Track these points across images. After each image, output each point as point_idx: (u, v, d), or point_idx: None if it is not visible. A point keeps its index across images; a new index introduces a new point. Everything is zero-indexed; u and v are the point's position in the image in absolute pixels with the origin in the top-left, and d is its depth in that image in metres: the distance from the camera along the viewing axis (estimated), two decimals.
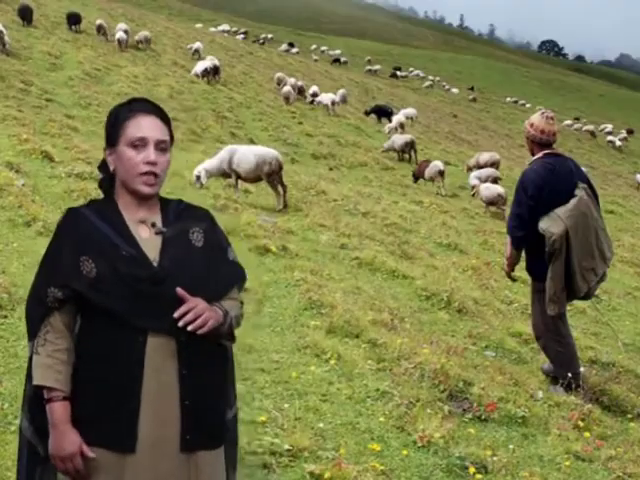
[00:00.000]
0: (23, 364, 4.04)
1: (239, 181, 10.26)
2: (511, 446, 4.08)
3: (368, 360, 4.88)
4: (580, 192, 4.90)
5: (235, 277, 2.19)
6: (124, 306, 1.97)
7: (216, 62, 25.28)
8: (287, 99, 24.82)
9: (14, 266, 5.46)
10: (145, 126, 2.06)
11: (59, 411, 1.99)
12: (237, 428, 2.30)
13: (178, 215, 2.14)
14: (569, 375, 4.90)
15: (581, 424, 4.48)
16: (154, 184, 2.07)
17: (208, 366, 2.09)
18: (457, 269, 8.43)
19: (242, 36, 56.91)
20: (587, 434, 4.37)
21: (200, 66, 24.30)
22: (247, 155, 9.97)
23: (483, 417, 4.36)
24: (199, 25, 52.94)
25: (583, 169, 5.32)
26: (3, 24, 19.25)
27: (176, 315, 1.96)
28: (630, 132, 53.91)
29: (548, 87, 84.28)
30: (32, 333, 2.06)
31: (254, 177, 10.08)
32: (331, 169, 16.63)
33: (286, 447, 3.55)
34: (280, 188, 10.02)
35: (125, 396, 1.98)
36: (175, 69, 25.09)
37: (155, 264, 2.03)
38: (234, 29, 61.69)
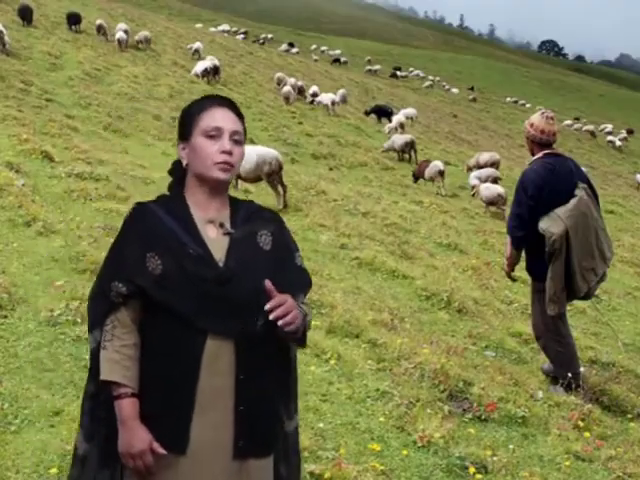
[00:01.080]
0: (23, 364, 4.05)
1: (239, 181, 10.27)
2: (511, 446, 4.08)
3: (368, 360, 4.89)
4: (580, 192, 4.90)
5: (302, 284, 2.15)
6: (187, 305, 1.95)
7: (216, 62, 25.26)
8: (287, 99, 24.81)
9: (14, 266, 5.46)
10: (219, 117, 2.06)
11: (127, 408, 1.96)
12: (299, 441, 2.27)
13: (248, 217, 2.11)
14: (569, 375, 4.90)
15: (581, 424, 4.48)
16: (229, 171, 2.05)
17: (266, 373, 2.04)
18: (457, 269, 8.43)
19: (242, 36, 56.89)
20: (587, 434, 4.37)
21: (200, 66, 24.28)
22: (247, 155, 9.96)
23: (483, 417, 4.36)
24: (199, 25, 52.91)
25: (583, 169, 5.32)
26: (3, 24, 19.21)
27: (268, 307, 1.92)
28: (630, 132, 53.91)
29: (548, 87, 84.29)
30: (92, 325, 2.06)
31: (254, 177, 10.09)
32: (331, 169, 16.62)
33: None
34: (280, 188, 10.02)
35: (180, 397, 1.96)
36: (175, 69, 25.09)
37: (221, 264, 2.00)
38: (234, 29, 61.68)
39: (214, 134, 2.04)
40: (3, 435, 3.40)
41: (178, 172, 2.14)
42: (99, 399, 2.06)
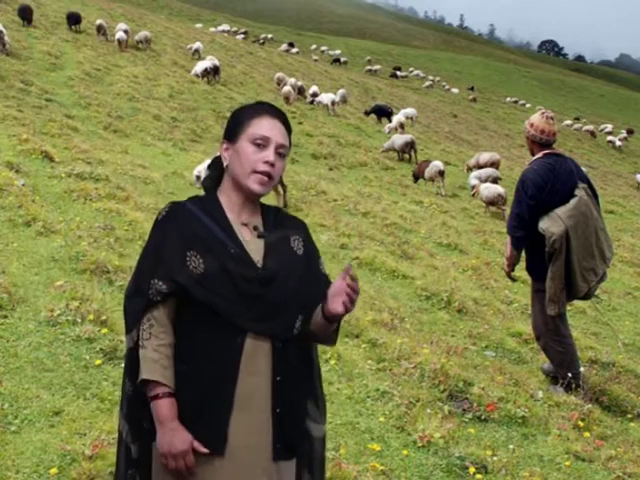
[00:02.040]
0: (23, 364, 4.05)
1: None
2: (511, 446, 4.08)
3: (368, 360, 4.89)
4: (580, 192, 4.91)
5: (326, 289, 2.14)
6: (228, 305, 1.95)
7: (216, 62, 25.24)
8: (287, 99, 24.80)
9: (14, 266, 5.46)
10: (269, 127, 2.06)
11: (166, 408, 1.95)
12: (325, 449, 2.27)
13: (278, 222, 2.14)
14: (569, 375, 4.90)
15: (581, 424, 4.48)
16: (266, 184, 2.05)
17: (300, 375, 2.08)
18: (457, 269, 8.44)
19: (242, 36, 56.82)
20: (587, 434, 4.37)
21: (200, 66, 24.27)
22: None
23: (483, 417, 4.36)
24: (199, 25, 52.88)
25: (583, 169, 5.32)
26: (3, 24, 19.20)
27: (351, 282, 1.96)
28: (630, 132, 53.83)
29: (548, 87, 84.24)
30: (129, 325, 2.04)
31: None
32: (331, 169, 16.61)
33: None
34: (280, 188, 10.02)
35: (218, 397, 1.95)
36: (175, 69, 25.07)
37: (259, 266, 2.01)
38: (234, 29, 61.58)
39: (260, 143, 2.04)
40: (3, 435, 3.40)
41: (216, 169, 2.15)
42: (135, 399, 2.05)
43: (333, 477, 3.33)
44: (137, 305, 2.01)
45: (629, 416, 4.90)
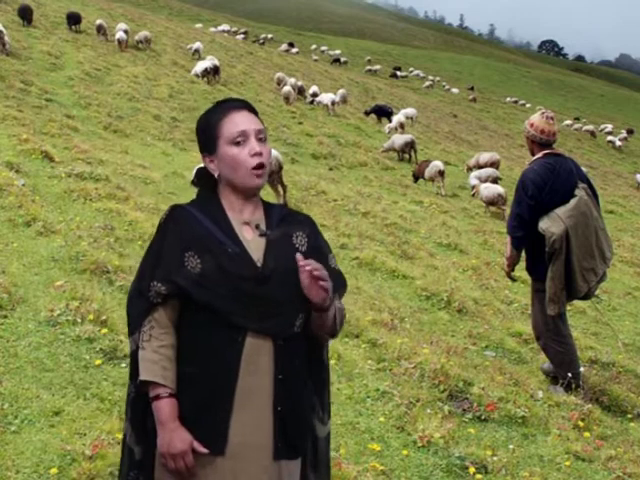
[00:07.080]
0: (23, 364, 4.05)
1: None
2: (511, 446, 4.08)
3: (368, 360, 4.89)
4: (580, 192, 4.91)
5: (337, 284, 2.12)
6: (226, 304, 1.96)
7: (216, 62, 25.22)
8: (287, 99, 24.79)
9: (14, 266, 5.45)
10: (240, 120, 2.05)
11: (167, 408, 1.96)
12: (330, 450, 2.26)
13: (281, 219, 2.13)
14: (569, 375, 4.90)
15: (581, 424, 4.48)
16: (263, 174, 2.05)
17: (301, 373, 2.08)
18: (457, 269, 8.44)
19: (242, 36, 56.78)
20: (587, 434, 4.37)
21: (200, 66, 24.26)
22: None
23: (483, 417, 4.36)
24: (199, 25, 52.83)
25: (583, 169, 5.32)
26: (3, 24, 19.20)
27: (302, 263, 1.96)
28: (630, 132, 53.79)
29: (548, 87, 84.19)
30: (132, 328, 2.05)
31: None
32: (331, 169, 16.60)
33: None
34: (280, 188, 10.03)
35: (219, 397, 1.96)
36: (175, 69, 25.06)
37: (259, 264, 2.01)
38: (234, 29, 61.53)
39: (240, 140, 2.03)
40: (3, 435, 3.40)
41: (206, 180, 2.13)
42: (138, 401, 2.06)
43: (333, 477, 3.33)
44: (139, 307, 2.03)
45: (629, 416, 4.90)
